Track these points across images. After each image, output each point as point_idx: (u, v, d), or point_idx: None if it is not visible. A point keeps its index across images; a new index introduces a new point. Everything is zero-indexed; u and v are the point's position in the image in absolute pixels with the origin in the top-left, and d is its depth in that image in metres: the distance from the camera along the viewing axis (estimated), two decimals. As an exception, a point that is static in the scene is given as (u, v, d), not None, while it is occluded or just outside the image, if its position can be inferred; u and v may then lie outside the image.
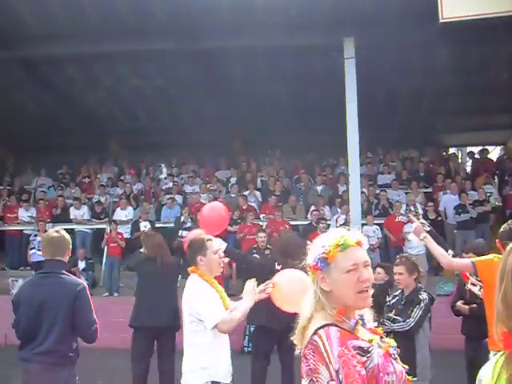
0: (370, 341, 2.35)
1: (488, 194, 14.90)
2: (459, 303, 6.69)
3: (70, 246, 5.08)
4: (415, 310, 5.78)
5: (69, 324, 4.68)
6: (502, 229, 5.28)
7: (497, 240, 5.33)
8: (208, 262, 4.72)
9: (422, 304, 5.81)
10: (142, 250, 8.24)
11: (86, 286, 4.90)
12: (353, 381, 2.18)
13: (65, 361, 4.72)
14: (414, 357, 5.61)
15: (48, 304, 4.68)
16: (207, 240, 4.81)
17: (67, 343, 4.72)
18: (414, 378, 5.43)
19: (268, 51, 13.92)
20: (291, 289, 4.58)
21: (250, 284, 4.66)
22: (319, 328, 2.30)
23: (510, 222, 5.29)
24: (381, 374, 2.25)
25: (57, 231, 5.04)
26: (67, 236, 5.05)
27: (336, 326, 2.30)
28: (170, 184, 17.14)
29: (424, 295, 5.92)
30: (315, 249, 2.44)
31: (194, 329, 4.56)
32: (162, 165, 18.55)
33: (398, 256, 6.52)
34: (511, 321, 1.89)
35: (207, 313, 4.48)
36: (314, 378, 2.23)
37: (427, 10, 11.09)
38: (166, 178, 17.78)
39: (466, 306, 6.55)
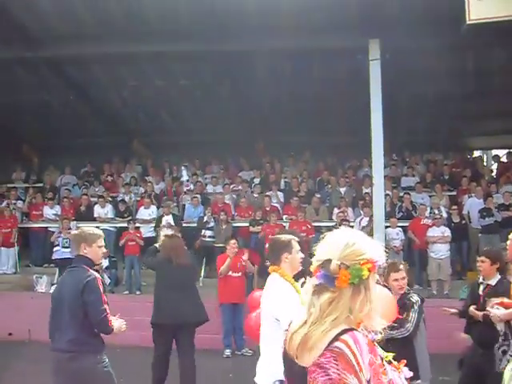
0: (386, 357, 2.28)
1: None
2: (472, 308, 6.63)
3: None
4: (411, 313, 5.73)
5: (83, 313, 4.92)
6: None
7: None
8: (292, 260, 4.84)
9: (416, 306, 5.78)
10: (157, 245, 8.45)
11: (98, 277, 5.08)
12: None
13: (89, 348, 4.95)
14: (415, 361, 5.57)
15: (66, 296, 5.01)
16: (293, 239, 4.97)
17: (87, 331, 4.95)
18: (418, 381, 5.46)
19: (293, 53, 13.91)
20: None
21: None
22: (340, 334, 2.11)
23: None
24: None
25: (90, 229, 5.40)
26: (98, 232, 5.32)
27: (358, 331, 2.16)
28: (191, 186, 17.24)
29: (415, 297, 5.88)
30: (374, 247, 2.28)
31: (269, 327, 4.68)
32: (183, 167, 18.60)
33: (393, 262, 6.35)
34: None
35: (284, 313, 4.46)
36: None
37: (453, 13, 11.01)
38: (187, 181, 17.84)
39: (480, 312, 6.49)
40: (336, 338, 2.10)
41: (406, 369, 2.33)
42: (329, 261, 2.20)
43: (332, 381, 2.04)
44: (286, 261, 4.82)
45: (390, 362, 2.28)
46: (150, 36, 12.98)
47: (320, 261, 2.25)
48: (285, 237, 5.06)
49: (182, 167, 18.60)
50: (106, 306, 4.97)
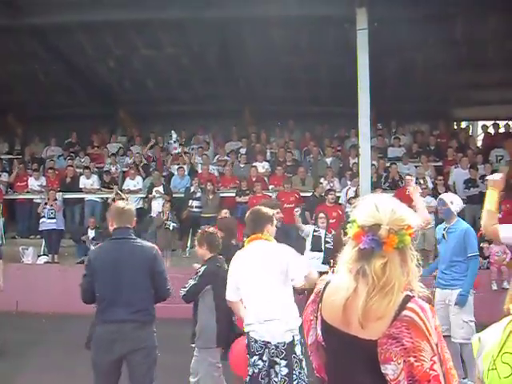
0: None
1: (499, 157, 14.80)
2: None
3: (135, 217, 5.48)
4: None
5: (149, 284, 5.07)
6: None
7: None
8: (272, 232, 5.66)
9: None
10: None
11: (158, 248, 5.33)
12: (446, 353, 2.15)
13: (152, 318, 5.15)
14: None
15: (128, 267, 5.03)
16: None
17: (151, 302, 5.14)
18: None
19: (281, 21, 13.79)
20: None
21: None
22: (405, 301, 2.17)
23: None
24: None
25: (125, 203, 5.65)
26: (133, 207, 5.60)
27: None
28: (179, 149, 17.12)
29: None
30: (411, 214, 2.29)
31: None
32: (173, 131, 18.47)
33: None
34: None
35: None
36: (412, 358, 2.09)
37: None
38: (175, 142, 17.64)
39: None
40: (403, 307, 2.15)
41: None
42: (377, 226, 2.20)
43: (407, 349, 2.09)
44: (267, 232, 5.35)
45: None
46: (136, 3, 12.80)
47: (365, 226, 2.23)
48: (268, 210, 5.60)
49: (172, 131, 18.45)
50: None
